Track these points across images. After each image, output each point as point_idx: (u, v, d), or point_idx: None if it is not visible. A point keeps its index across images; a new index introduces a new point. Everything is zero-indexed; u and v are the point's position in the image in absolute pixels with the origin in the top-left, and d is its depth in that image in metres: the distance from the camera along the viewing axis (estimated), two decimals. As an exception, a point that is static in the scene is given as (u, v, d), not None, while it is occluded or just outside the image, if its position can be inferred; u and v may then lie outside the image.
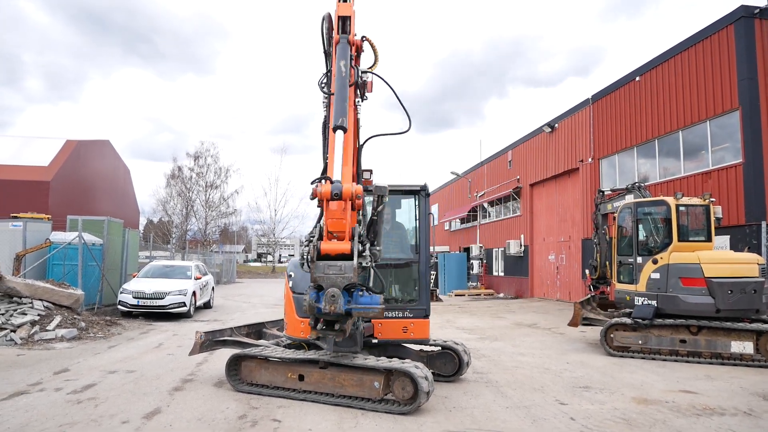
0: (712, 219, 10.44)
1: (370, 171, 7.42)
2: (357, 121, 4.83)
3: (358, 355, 7.05)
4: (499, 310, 20.83)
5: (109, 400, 7.00)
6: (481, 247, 32.52)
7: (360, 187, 3.95)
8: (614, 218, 11.88)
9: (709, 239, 10.36)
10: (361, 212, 4.07)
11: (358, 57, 5.55)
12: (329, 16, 5.45)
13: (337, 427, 6.01)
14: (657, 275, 10.12)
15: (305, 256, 4.04)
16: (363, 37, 5.57)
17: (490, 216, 32.68)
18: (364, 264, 3.93)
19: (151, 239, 30.85)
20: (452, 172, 36.03)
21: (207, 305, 19.99)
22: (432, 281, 28.43)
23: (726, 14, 15.16)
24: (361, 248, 3.92)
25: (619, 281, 11.28)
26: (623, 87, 19.55)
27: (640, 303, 10.30)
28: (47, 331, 11.81)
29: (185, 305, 16.46)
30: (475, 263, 32.41)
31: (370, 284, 4.75)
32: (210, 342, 8.14)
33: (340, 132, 4.26)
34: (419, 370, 6.50)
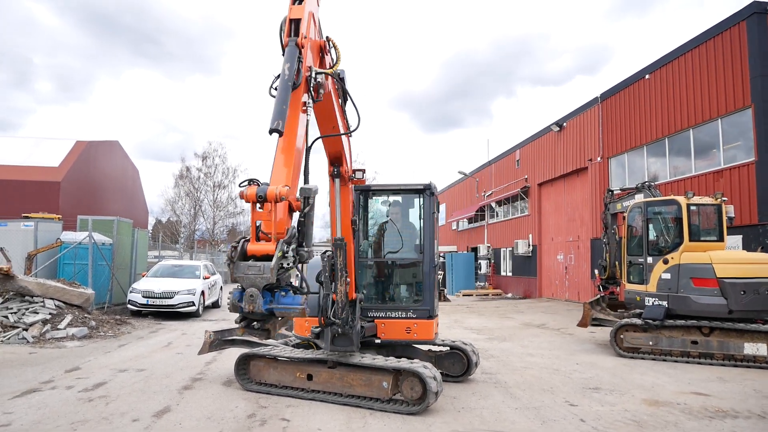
0: (724, 218, 10.36)
1: (363, 171, 7.40)
2: (307, 123, 4.85)
3: (366, 354, 7.06)
4: (508, 310, 20.78)
5: (120, 398, 7.03)
6: (488, 246, 32.44)
7: (285, 189, 3.97)
8: (624, 218, 11.81)
9: (721, 239, 10.27)
10: (305, 213, 4.16)
11: (322, 58, 5.61)
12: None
13: (346, 427, 6.01)
14: (668, 275, 10.05)
15: (229, 257, 4.18)
16: (327, 37, 5.62)
17: (497, 216, 32.59)
18: (284, 265, 4.00)
19: (160, 239, 30.98)
20: (459, 172, 35.94)
21: (215, 305, 20.05)
22: (440, 281, 28.40)
23: (738, 10, 15.03)
24: (286, 249, 3.99)
25: (629, 281, 11.21)
26: (632, 85, 19.44)
27: (650, 303, 10.23)
28: (58, 329, 11.88)
29: (194, 304, 16.51)
30: (483, 263, 32.32)
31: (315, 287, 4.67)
32: (219, 341, 8.16)
33: (276, 135, 4.34)
34: (428, 370, 6.49)
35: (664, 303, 9.98)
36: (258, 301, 4.01)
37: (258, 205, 4.06)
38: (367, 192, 8.12)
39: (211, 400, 6.98)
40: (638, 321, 10.16)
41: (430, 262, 7.53)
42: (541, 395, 7.48)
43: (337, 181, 7.14)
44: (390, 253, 8.20)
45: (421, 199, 7.81)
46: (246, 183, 4.16)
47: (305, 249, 4.18)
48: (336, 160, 7.05)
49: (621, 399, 7.29)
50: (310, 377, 7.14)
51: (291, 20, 5.04)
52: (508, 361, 9.94)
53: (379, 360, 6.79)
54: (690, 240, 10.02)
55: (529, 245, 27.24)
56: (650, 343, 10.06)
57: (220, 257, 42.05)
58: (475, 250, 34.67)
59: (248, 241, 4.21)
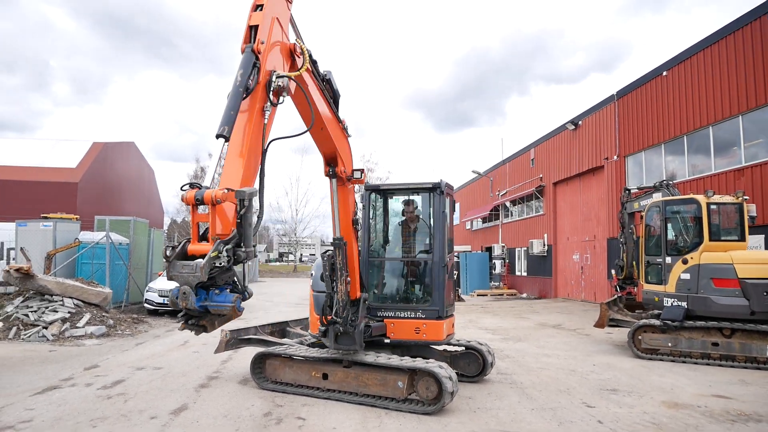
0: (746, 217, 10.20)
1: (362, 170, 7.36)
2: (263, 126, 4.91)
3: (381, 354, 7.04)
4: (523, 310, 20.66)
5: (138, 395, 7.09)
6: (503, 246, 32.29)
7: (221, 192, 4.11)
8: (641, 217, 11.68)
9: (742, 239, 10.12)
10: (241, 215, 4.23)
11: (294, 62, 5.67)
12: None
13: (361, 426, 6.01)
14: (687, 276, 9.92)
15: (164, 255, 4.28)
16: (296, 40, 5.70)
17: (512, 215, 32.43)
18: (218, 264, 4.10)
19: (176, 239, 31.20)
20: (473, 171, 35.80)
21: (231, 304, 20.12)
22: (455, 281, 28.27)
23: (759, 4, 14.75)
24: (221, 249, 4.10)
25: (647, 282, 11.09)
26: (650, 82, 19.23)
27: (669, 304, 10.10)
28: (77, 328, 12.01)
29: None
30: (498, 263, 32.18)
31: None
32: (235, 340, 8.19)
33: (222, 139, 4.49)
34: (443, 370, 6.47)
35: (684, 304, 9.86)
36: (191, 298, 4.11)
37: (201, 207, 4.18)
38: (377, 191, 8.09)
39: (228, 399, 7.01)
40: (657, 322, 10.04)
41: (440, 261, 7.43)
42: (558, 396, 7.42)
43: (333, 181, 7.15)
44: (400, 252, 8.19)
45: (431, 198, 7.70)
46: (187, 186, 4.26)
47: (243, 249, 4.25)
48: (331, 160, 7.06)
49: (639, 401, 7.20)
50: (325, 376, 7.15)
51: (250, 27, 5.11)
52: (524, 362, 9.87)
53: (395, 359, 6.78)
54: (710, 240, 9.88)
55: (544, 245, 27.06)
56: (669, 344, 9.94)
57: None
58: (489, 249, 34.52)
59: (189, 241, 4.31)
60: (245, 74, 4.77)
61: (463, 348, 8.24)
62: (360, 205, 7.96)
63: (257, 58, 4.90)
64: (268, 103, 4.98)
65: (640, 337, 10.26)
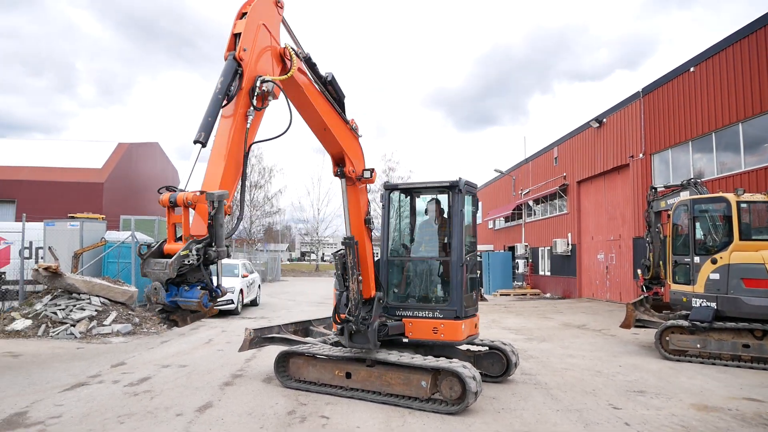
0: (776, 216, 9.97)
1: (371, 170, 7.37)
2: (246, 131, 5.05)
3: (405, 353, 7.01)
4: (546, 310, 20.48)
5: (164, 393, 7.17)
6: (526, 246, 32.03)
7: (192, 195, 4.37)
8: (669, 216, 11.48)
9: (774, 238, 9.88)
10: (212, 216, 4.40)
11: (284, 66, 5.78)
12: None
13: (385, 426, 5.99)
14: (716, 276, 9.72)
15: (138, 254, 4.60)
16: (285, 45, 5.80)
17: (535, 214, 32.15)
18: (187, 262, 4.31)
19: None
20: (496, 170, 35.55)
21: (254, 303, 20.30)
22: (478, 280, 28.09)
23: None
24: (192, 248, 4.32)
25: (675, 282, 10.89)
26: (676, 78, 18.89)
27: (697, 305, 9.91)
28: (104, 326, 12.20)
29: (233, 302, 16.74)
30: (521, 262, 31.93)
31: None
32: (259, 339, 8.24)
33: (198, 145, 4.68)
34: (467, 370, 6.43)
35: (713, 304, 9.66)
36: (161, 293, 4.37)
37: (177, 209, 4.44)
38: (395, 190, 8.07)
39: (252, 397, 7.06)
40: (685, 323, 9.86)
41: (458, 261, 7.34)
42: (583, 397, 7.33)
43: (343, 181, 7.21)
44: (420, 251, 8.17)
45: (449, 196, 7.62)
46: (164, 189, 4.51)
47: (213, 249, 4.41)
48: (339, 160, 7.13)
49: (668, 403, 7.08)
50: (348, 375, 7.16)
51: (234, 35, 5.25)
52: (548, 362, 9.77)
53: (418, 359, 6.76)
54: (740, 239, 9.66)
55: (568, 244, 26.78)
56: (698, 345, 9.75)
57: (257, 256, 42.59)
58: (512, 249, 34.28)
59: (166, 242, 4.57)
60: (225, 81, 4.94)
61: (487, 348, 8.18)
62: (379, 204, 8.00)
63: (239, 65, 5.04)
64: (251, 108, 5.10)
65: (667, 338, 10.09)
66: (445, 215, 7.84)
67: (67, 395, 6.99)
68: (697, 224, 10.46)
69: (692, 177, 12.64)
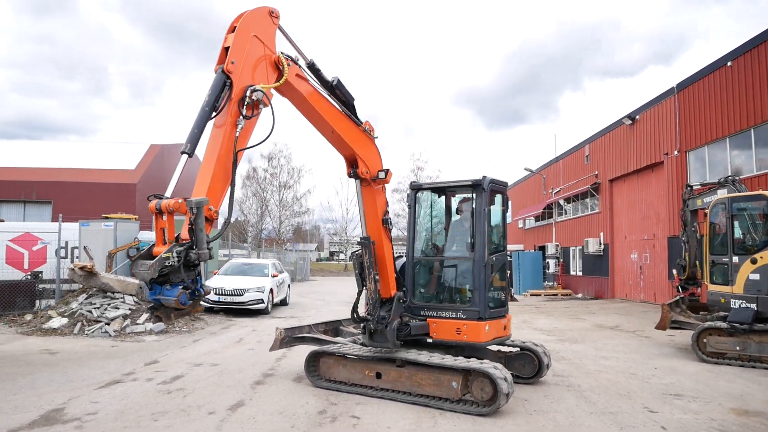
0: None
1: (386, 171, 7.37)
2: (235, 139, 5.29)
3: (435, 354, 6.95)
4: (578, 311, 20.18)
5: (196, 391, 7.25)
6: (557, 245, 31.63)
7: (173, 202, 4.69)
8: (705, 215, 11.19)
9: (815, 237, 9.55)
10: (193, 221, 4.69)
11: (280, 74, 5.96)
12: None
13: (416, 426, 5.96)
14: (756, 276, 9.43)
15: (128, 256, 4.93)
16: (280, 53, 5.98)
17: (566, 213, 31.73)
18: (167, 263, 4.58)
19: (230, 238, 31.87)
20: (526, 169, 35.20)
21: (283, 302, 20.44)
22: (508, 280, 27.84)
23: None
24: (173, 251, 4.62)
25: (712, 282, 10.60)
26: (713, 73, 18.43)
27: (736, 306, 9.63)
28: (137, 324, 12.40)
29: (263, 302, 16.88)
30: (551, 262, 31.54)
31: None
32: (289, 338, 8.27)
33: (185, 155, 4.99)
34: (498, 371, 6.35)
35: (753, 305, 9.38)
36: (145, 292, 4.73)
37: (164, 215, 4.77)
38: (421, 189, 8.03)
39: (283, 396, 7.09)
40: (723, 324, 9.60)
41: (480, 260, 7.23)
42: (618, 400, 7.18)
43: (357, 182, 7.33)
44: (445, 251, 8.11)
45: (474, 195, 7.53)
46: (152, 197, 4.83)
47: (194, 251, 4.68)
48: (352, 161, 7.24)
49: (706, 407, 6.89)
50: (378, 375, 7.14)
51: (225, 48, 5.46)
52: (581, 364, 9.62)
53: (448, 359, 6.70)
54: (781, 238, 9.37)
55: (600, 244, 26.36)
56: (737, 348, 9.48)
57: (287, 256, 42.91)
58: (542, 248, 33.90)
59: (155, 245, 4.86)
60: (212, 94, 5.21)
61: (518, 349, 8.07)
62: (406, 203, 8.00)
63: (228, 78, 5.32)
64: (241, 117, 5.31)
65: (705, 340, 9.84)
66: (468, 215, 7.77)
67: (102, 392, 7.12)
68: (736, 223, 10.18)
69: (730, 174, 12.30)
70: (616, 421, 6.27)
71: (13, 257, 18.32)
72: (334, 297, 25.68)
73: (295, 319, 16.26)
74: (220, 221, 5.84)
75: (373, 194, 7.39)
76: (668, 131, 20.90)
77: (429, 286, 7.94)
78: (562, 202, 31.79)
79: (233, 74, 5.35)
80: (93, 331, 11.86)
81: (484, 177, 7.38)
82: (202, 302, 15.88)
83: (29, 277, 16.64)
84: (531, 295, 28.00)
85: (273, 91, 6.00)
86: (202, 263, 4.81)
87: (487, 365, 6.44)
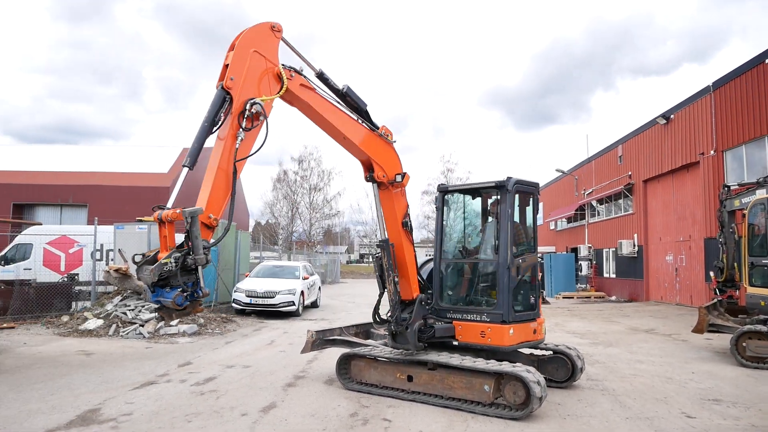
0: None
1: (403, 174, 7.40)
2: (235, 151, 5.68)
3: (467, 357, 6.90)
4: (612, 313, 19.85)
5: (229, 393, 7.33)
6: (589, 247, 31.17)
7: (171, 212, 5.16)
8: (744, 215, 10.90)
9: None
10: (188, 229, 5.21)
11: (282, 84, 6.17)
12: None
13: (448, 430, 5.94)
14: (798, 278, 9.15)
15: (134, 262, 5.28)
16: (282, 65, 6.20)
17: (599, 214, 31.25)
18: (166, 268, 5.01)
19: (261, 240, 32.17)
20: (557, 170, 34.82)
21: (314, 304, 20.54)
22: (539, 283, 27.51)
23: None
24: (172, 257, 5.08)
25: (751, 284, 10.31)
26: (751, 71, 17.95)
27: (777, 309, 9.36)
28: (171, 326, 12.59)
29: (294, 304, 16.99)
30: (584, 264, 31.08)
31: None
32: (321, 341, 8.30)
33: (186, 168, 5.47)
34: (531, 375, 6.27)
35: (794, 308, 9.10)
36: (147, 294, 5.19)
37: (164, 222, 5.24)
38: (447, 192, 8.00)
39: (314, 398, 7.12)
40: (764, 328, 9.34)
41: (504, 262, 7.13)
42: (654, 405, 7.04)
43: (374, 185, 7.40)
44: (470, 253, 8.07)
45: (499, 196, 7.45)
46: (156, 207, 5.29)
47: (191, 257, 5.15)
48: (369, 166, 7.32)
49: (746, 413, 6.70)
50: (410, 378, 7.12)
51: (226, 65, 5.74)
52: (616, 368, 9.45)
53: (480, 363, 6.65)
54: (823, 239, 9.08)
55: (634, 245, 25.88)
56: (778, 352, 9.20)
57: (317, 258, 43.15)
58: (575, 250, 33.45)
59: (159, 251, 5.28)
60: (212, 110, 5.58)
61: (551, 352, 7.97)
62: (433, 206, 8.01)
63: (228, 93, 5.63)
64: (240, 130, 5.65)
65: (744, 344, 9.57)
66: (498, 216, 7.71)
67: (137, 393, 7.25)
68: (776, 224, 9.89)
69: (769, 174, 11.95)
70: (652, 426, 6.15)
71: (50, 260, 18.85)
72: (365, 299, 25.72)
73: (326, 321, 16.33)
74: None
75: (392, 198, 7.44)
76: (704, 130, 20.44)
77: (455, 288, 7.92)
78: (594, 203, 31.33)
79: (232, 90, 5.66)
80: (127, 333, 12.09)
81: (509, 178, 7.32)
82: (234, 304, 16.19)
83: (66, 279, 17.09)
84: (563, 297, 27.64)
85: (281, 101, 6.36)
86: (200, 267, 5.24)
87: (519, 368, 6.36)
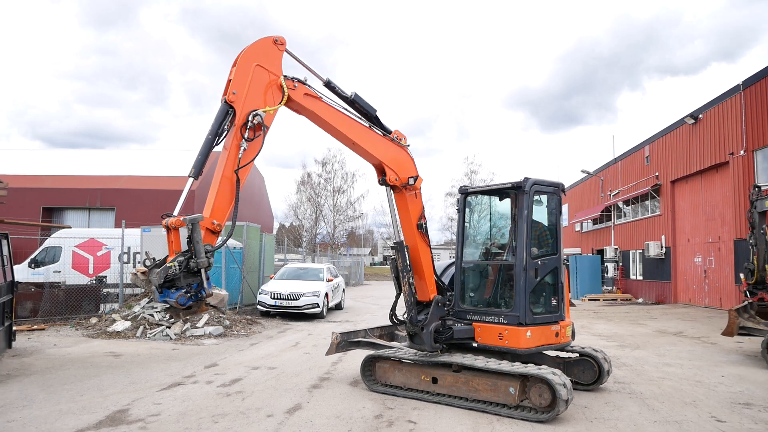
0: None
1: (415, 177, 7.44)
2: (238, 159, 6.03)
3: (491, 359, 6.86)
4: (639, 316, 19.56)
5: (254, 394, 7.39)
6: (616, 249, 30.76)
7: (174, 219, 5.56)
8: (775, 216, 10.67)
9: None
10: (190, 235, 5.57)
11: (283, 94, 6.47)
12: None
13: (474, 433, 5.90)
14: (832, 280, 8.93)
15: (144, 265, 5.73)
16: (283, 76, 6.49)
17: (625, 216, 30.83)
18: (170, 271, 5.42)
19: (285, 243, 32.36)
20: (582, 171, 34.44)
21: (338, 306, 20.60)
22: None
23: None
24: (177, 261, 5.50)
25: (783, 286, 10.10)
26: (781, 70, 17.58)
27: (810, 311, 9.15)
28: (197, 328, 12.75)
29: (318, 306, 17.07)
30: (610, 266, 30.68)
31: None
32: (345, 342, 8.33)
33: (191, 178, 5.94)
34: (557, 377, 6.22)
35: (828, 311, 8.88)
36: (156, 294, 5.65)
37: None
38: (468, 193, 7.98)
39: (339, 400, 7.14)
40: (796, 330, 9.12)
41: (520, 264, 7.09)
42: (683, 408, 6.93)
43: (388, 188, 7.50)
44: (488, 254, 8.06)
45: (515, 198, 7.44)
46: (165, 215, 5.69)
47: (193, 260, 5.52)
48: (381, 170, 7.44)
49: (779, 417, 6.56)
50: (435, 380, 7.11)
51: (229, 80, 6.13)
52: (643, 371, 9.32)
53: (505, 365, 6.61)
54: None
55: (661, 247, 25.47)
56: (811, 355, 8.99)
57: (341, 260, 43.28)
58: (600, 252, 33.04)
59: (168, 255, 5.66)
60: (215, 123, 6.01)
61: (578, 354, 7.90)
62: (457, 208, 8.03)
63: (231, 107, 6.05)
64: (243, 140, 6.03)
65: (776, 348, 9.37)
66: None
67: (164, 394, 7.35)
68: (809, 224, 9.66)
69: (802, 173, 11.68)
70: (681, 430, 6.06)
71: (78, 262, 19.20)
72: (389, 301, 25.62)
73: (350, 323, 16.37)
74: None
75: (406, 200, 7.50)
76: (734, 130, 20.06)
77: (475, 290, 7.92)
78: (620, 204, 30.93)
79: (235, 103, 6.06)
80: (155, 335, 12.26)
81: (526, 179, 7.28)
82: (259, 306, 16.37)
83: (94, 281, 17.39)
84: (589, 299, 27.32)
85: (290, 110, 6.72)
86: (203, 270, 5.58)
87: (545, 371, 6.31)
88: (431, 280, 7.50)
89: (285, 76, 6.52)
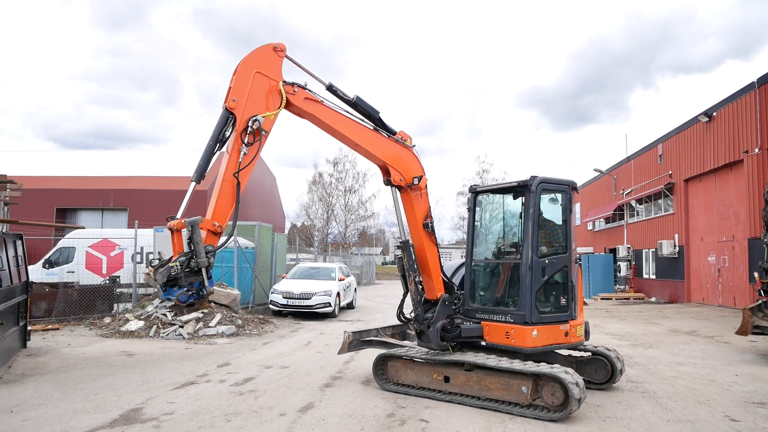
0: None
1: (419, 177, 7.49)
2: (238, 164, 6.27)
3: (503, 357, 6.86)
4: (652, 315, 19.43)
5: (267, 393, 7.44)
6: (628, 248, 30.57)
7: (176, 222, 5.86)
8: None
9: None
10: (191, 236, 5.80)
11: (282, 99, 6.63)
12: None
13: (486, 431, 5.90)
14: None
15: (150, 265, 6.04)
16: (282, 81, 6.64)
17: (638, 215, 30.63)
18: (172, 271, 5.69)
19: (297, 242, 32.47)
20: (595, 170, 34.23)
21: (350, 305, 20.64)
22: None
23: None
24: (178, 261, 5.76)
25: (798, 285, 10.00)
26: (796, 67, 17.38)
27: (826, 310, 9.05)
28: (210, 327, 12.84)
29: (330, 305, 17.12)
30: (623, 265, 30.49)
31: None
32: (357, 342, 8.36)
33: (193, 182, 6.19)
34: (569, 376, 6.21)
35: None
36: (159, 293, 5.97)
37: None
38: (478, 192, 7.98)
39: (351, 399, 7.17)
40: (811, 329, 9.03)
41: (527, 263, 7.08)
42: (696, 408, 6.89)
43: (393, 189, 7.57)
44: (496, 254, 8.06)
45: (524, 196, 7.41)
46: (169, 218, 5.95)
47: (194, 260, 5.76)
48: (386, 170, 7.51)
49: (794, 416, 6.50)
50: (447, 379, 7.12)
51: (230, 88, 6.35)
52: (656, 370, 9.27)
53: (517, 363, 6.61)
54: None
55: (674, 246, 25.28)
56: (827, 354, 8.90)
57: (352, 260, 43.34)
58: (613, 251, 32.85)
59: (173, 256, 5.92)
60: (216, 130, 6.28)
61: (590, 354, 7.88)
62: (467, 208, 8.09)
63: (231, 113, 6.30)
64: (243, 145, 6.28)
65: (791, 347, 9.28)
66: (527, 215, 7.66)
67: (177, 393, 7.41)
68: (825, 222, 9.56)
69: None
70: (694, 429, 6.03)
71: (92, 263, 19.38)
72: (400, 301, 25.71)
73: (362, 322, 16.40)
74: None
75: (411, 200, 7.54)
76: (748, 128, 19.87)
77: (484, 288, 7.94)
78: (633, 203, 30.73)
79: (235, 110, 6.29)
80: (168, 334, 12.36)
81: (533, 177, 7.28)
82: (271, 306, 16.50)
83: (107, 281, 17.55)
84: (602, 298, 27.18)
85: (292, 114, 6.90)
86: (203, 269, 5.80)
87: (557, 370, 6.30)
88: (438, 279, 7.54)
89: (284, 82, 6.66)
